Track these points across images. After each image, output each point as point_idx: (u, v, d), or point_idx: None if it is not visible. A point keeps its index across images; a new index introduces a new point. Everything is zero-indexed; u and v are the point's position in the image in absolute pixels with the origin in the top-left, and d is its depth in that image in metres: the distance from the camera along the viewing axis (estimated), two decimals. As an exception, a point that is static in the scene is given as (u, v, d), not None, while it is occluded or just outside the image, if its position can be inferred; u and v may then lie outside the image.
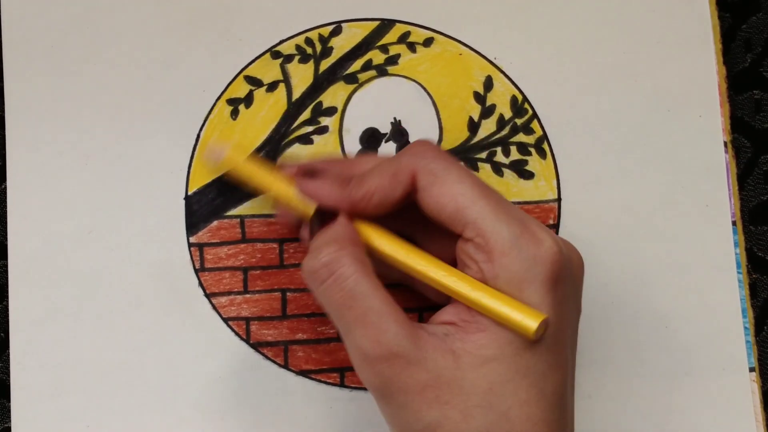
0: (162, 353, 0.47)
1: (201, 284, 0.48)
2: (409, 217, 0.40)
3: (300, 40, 0.50)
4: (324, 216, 0.41)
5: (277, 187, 0.43)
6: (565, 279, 0.37)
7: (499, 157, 0.49)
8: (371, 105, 0.49)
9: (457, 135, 0.49)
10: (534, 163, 0.49)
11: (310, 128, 0.49)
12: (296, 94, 0.49)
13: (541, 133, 0.49)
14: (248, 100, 0.49)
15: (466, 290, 0.37)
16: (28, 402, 0.46)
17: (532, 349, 0.36)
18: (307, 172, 0.43)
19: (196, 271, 0.48)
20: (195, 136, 0.49)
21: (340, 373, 0.47)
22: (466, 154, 0.49)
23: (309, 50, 0.49)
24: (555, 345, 0.37)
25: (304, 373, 0.47)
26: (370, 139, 0.49)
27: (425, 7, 0.50)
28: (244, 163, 0.45)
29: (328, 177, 0.41)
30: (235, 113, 0.49)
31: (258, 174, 0.44)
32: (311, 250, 0.39)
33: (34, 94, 0.49)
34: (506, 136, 0.49)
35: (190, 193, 0.48)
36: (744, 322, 0.47)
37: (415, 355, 0.36)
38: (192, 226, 0.48)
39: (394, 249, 0.40)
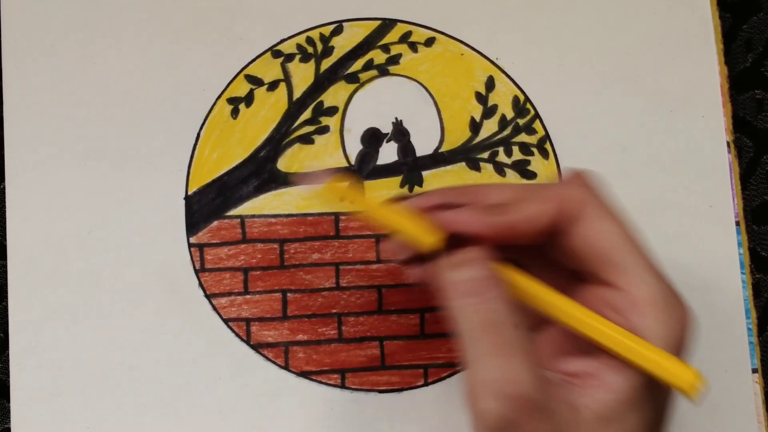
0: (162, 354, 0.47)
1: (201, 285, 0.47)
2: (526, 251, 0.38)
3: (301, 39, 0.49)
4: (450, 248, 0.37)
5: (399, 218, 0.39)
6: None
7: (502, 158, 0.49)
8: (372, 105, 0.49)
9: (458, 135, 0.49)
10: (536, 163, 0.49)
11: (311, 128, 0.49)
12: (297, 94, 0.49)
13: (543, 133, 0.49)
14: (249, 99, 0.49)
15: (623, 340, 0.35)
16: (27, 402, 0.46)
17: (651, 411, 0.35)
18: (439, 204, 0.39)
19: (196, 272, 0.48)
20: (195, 136, 0.49)
21: (340, 374, 0.47)
22: (467, 155, 0.49)
23: (310, 49, 0.49)
24: (667, 410, 0.36)
25: (304, 374, 0.47)
26: (372, 139, 0.49)
27: (427, 7, 0.50)
28: (362, 199, 0.44)
29: (470, 207, 0.38)
30: (235, 112, 0.49)
31: (379, 209, 0.40)
32: (455, 262, 0.36)
33: (34, 94, 0.49)
34: (508, 136, 0.49)
35: (190, 193, 0.48)
36: (747, 323, 0.47)
37: (543, 403, 0.33)
38: (192, 227, 0.48)
39: (535, 288, 0.37)
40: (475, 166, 0.48)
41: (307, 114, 0.49)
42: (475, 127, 0.49)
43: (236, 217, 0.48)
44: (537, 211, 0.36)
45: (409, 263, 0.40)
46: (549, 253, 0.38)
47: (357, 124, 0.49)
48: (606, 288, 0.36)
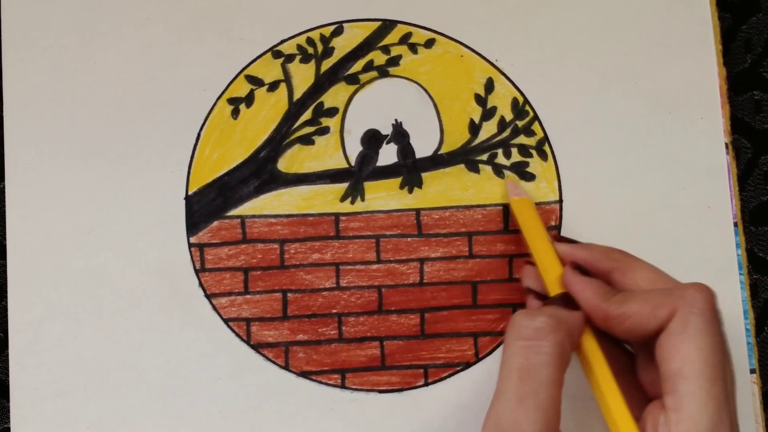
0: (162, 354, 0.47)
1: (201, 285, 0.47)
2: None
3: (301, 39, 0.49)
4: (563, 301, 0.41)
5: (547, 257, 0.43)
6: None
7: (500, 159, 0.49)
8: (372, 106, 0.49)
9: (458, 137, 0.49)
10: (535, 164, 0.49)
11: (311, 129, 0.49)
12: (297, 94, 0.49)
13: (542, 134, 0.49)
14: (249, 99, 0.49)
15: None
16: (27, 402, 0.46)
17: None
18: (582, 263, 0.42)
19: (197, 272, 0.48)
20: (195, 136, 0.49)
21: (341, 374, 0.47)
22: (466, 156, 0.49)
23: (310, 50, 0.49)
24: None
25: (304, 375, 0.47)
26: (371, 140, 0.49)
27: (427, 8, 0.50)
28: (528, 215, 0.45)
29: (596, 282, 0.40)
30: (235, 113, 0.49)
31: (534, 233, 0.44)
32: (535, 310, 0.39)
33: (34, 93, 0.49)
34: (507, 138, 0.49)
35: (190, 192, 0.48)
36: (745, 324, 0.47)
37: None
38: (192, 227, 0.48)
39: (600, 375, 0.39)
40: (474, 167, 0.48)
41: (307, 115, 0.49)
42: (474, 128, 0.49)
43: (236, 217, 0.48)
44: (645, 314, 0.38)
45: (530, 292, 0.44)
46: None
47: (357, 125, 0.49)
48: (661, 407, 0.36)
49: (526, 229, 0.45)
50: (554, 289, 0.42)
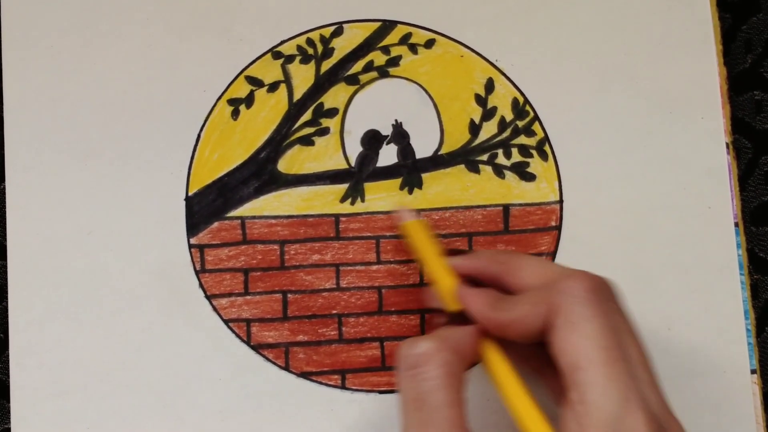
0: (162, 355, 0.47)
1: (201, 286, 0.47)
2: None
3: (301, 40, 0.49)
4: (462, 316, 0.41)
5: (439, 275, 0.43)
6: None
7: (501, 160, 0.49)
8: (372, 107, 0.49)
9: (458, 137, 0.49)
10: (536, 165, 0.49)
11: (311, 129, 0.49)
12: (297, 95, 0.49)
13: (542, 135, 0.49)
14: (249, 100, 0.49)
15: None
16: (27, 402, 0.46)
17: None
18: (474, 274, 0.42)
19: (197, 273, 0.48)
20: (195, 137, 0.49)
21: (341, 375, 0.47)
22: (467, 157, 0.49)
23: (310, 51, 0.49)
24: None
25: (305, 375, 0.47)
26: (372, 141, 0.49)
27: (427, 9, 0.50)
28: (419, 237, 0.45)
29: (485, 292, 0.40)
30: (235, 113, 0.49)
31: (426, 254, 0.44)
32: (420, 337, 0.38)
33: (34, 94, 0.49)
34: (507, 138, 0.49)
35: (190, 193, 0.48)
36: (746, 324, 0.47)
37: None
38: (192, 227, 0.48)
39: (504, 381, 0.39)
40: (474, 168, 0.48)
41: (307, 115, 0.49)
42: (474, 129, 0.49)
43: (237, 218, 0.48)
44: (530, 315, 0.38)
45: (435, 312, 0.44)
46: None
47: (357, 125, 0.49)
48: (567, 402, 0.36)
49: (419, 252, 0.44)
50: (453, 306, 0.41)
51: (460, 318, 0.40)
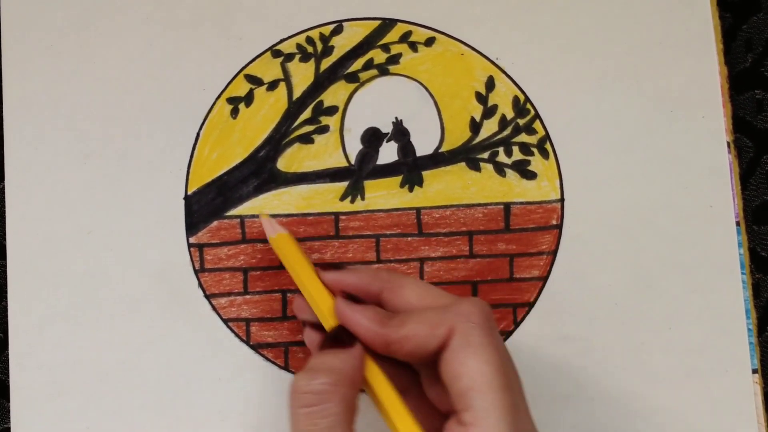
0: (162, 354, 0.47)
1: (201, 285, 0.47)
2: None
3: (301, 38, 0.49)
4: (341, 333, 0.40)
5: (316, 290, 0.42)
6: None
7: (502, 158, 0.49)
8: (372, 104, 0.49)
9: (458, 135, 0.49)
10: (537, 163, 0.49)
11: (310, 127, 0.49)
12: (297, 93, 0.49)
13: (543, 133, 0.49)
14: (248, 98, 0.49)
15: None
16: (27, 402, 0.46)
17: None
18: (351, 290, 0.41)
19: (196, 272, 0.48)
20: (195, 135, 0.49)
21: (341, 374, 0.47)
22: (467, 155, 0.48)
23: (310, 49, 0.49)
24: None
25: (304, 374, 0.47)
26: (372, 138, 0.49)
27: (427, 7, 0.49)
28: (288, 251, 0.44)
29: (371, 308, 0.40)
30: (235, 112, 0.49)
31: (298, 268, 0.43)
32: (309, 367, 0.38)
33: (33, 94, 0.49)
34: (508, 136, 0.49)
35: (189, 193, 0.48)
36: (747, 324, 0.47)
37: None
38: (192, 227, 0.48)
39: (384, 399, 0.38)
40: (475, 166, 0.48)
41: (307, 113, 0.49)
42: (475, 127, 0.49)
43: (236, 217, 0.48)
44: (424, 334, 0.37)
45: (306, 325, 0.43)
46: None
47: (357, 123, 0.49)
48: (458, 424, 0.36)
49: (289, 266, 0.44)
50: (329, 322, 0.41)
51: (337, 335, 0.39)
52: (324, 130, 0.49)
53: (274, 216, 0.48)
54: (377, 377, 0.39)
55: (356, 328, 0.39)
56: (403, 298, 0.40)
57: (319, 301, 0.41)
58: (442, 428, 0.37)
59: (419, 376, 0.41)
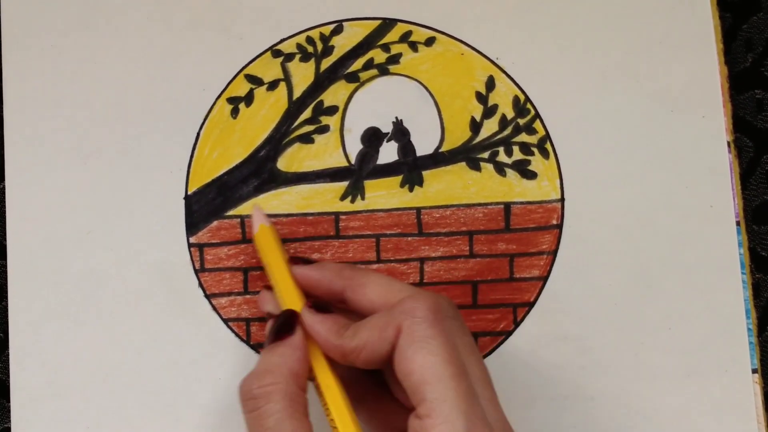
0: (162, 354, 0.47)
1: (201, 285, 0.47)
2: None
3: (301, 38, 0.49)
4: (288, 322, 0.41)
5: (287, 292, 0.43)
6: None
7: (502, 157, 0.49)
8: (373, 104, 0.49)
9: (459, 135, 0.49)
10: (537, 163, 0.49)
11: (311, 127, 0.49)
12: (297, 93, 0.49)
13: (543, 132, 0.49)
14: (249, 98, 0.49)
15: None
16: (27, 402, 0.46)
17: None
18: (315, 286, 0.42)
19: (196, 272, 0.48)
20: (195, 135, 0.49)
21: (341, 373, 0.47)
22: (468, 154, 0.48)
23: (310, 49, 0.49)
24: None
25: (305, 374, 0.47)
26: (372, 138, 0.49)
27: (427, 7, 0.49)
28: (268, 247, 0.44)
29: (330, 318, 0.40)
30: (235, 112, 0.49)
31: (273, 264, 0.44)
32: (254, 370, 0.39)
33: (34, 94, 0.49)
34: (509, 136, 0.49)
35: (189, 192, 0.48)
36: (747, 323, 0.47)
37: None
38: (192, 226, 0.48)
39: (325, 388, 0.39)
40: (475, 165, 0.48)
41: (307, 113, 0.49)
42: (475, 126, 0.49)
43: (236, 216, 0.48)
44: (376, 339, 0.38)
45: (271, 317, 0.44)
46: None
47: (357, 123, 0.49)
48: (416, 418, 0.36)
49: (266, 260, 0.44)
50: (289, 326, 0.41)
51: (279, 325, 0.40)
52: (324, 129, 0.49)
53: (273, 215, 0.48)
54: (326, 382, 0.40)
55: (316, 339, 0.40)
56: (364, 296, 0.40)
57: (288, 301, 0.42)
58: (407, 425, 0.37)
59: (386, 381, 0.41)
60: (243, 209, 0.48)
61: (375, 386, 0.41)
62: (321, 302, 0.41)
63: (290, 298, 0.42)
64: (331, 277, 0.42)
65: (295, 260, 0.43)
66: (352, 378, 0.41)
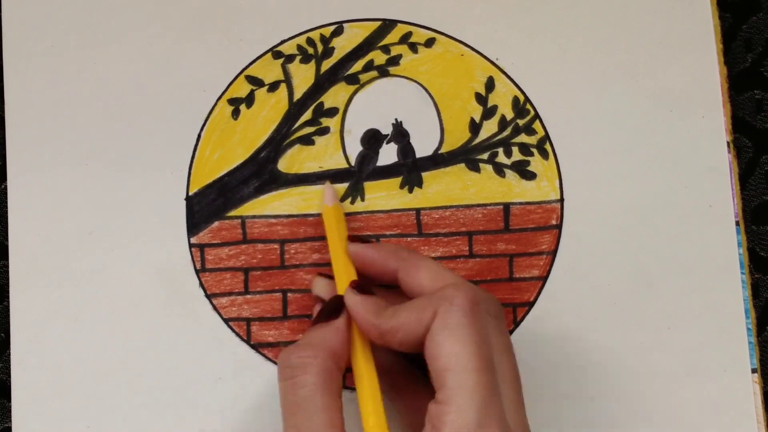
0: (162, 354, 0.47)
1: (202, 285, 0.47)
2: None
3: (301, 40, 0.49)
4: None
5: (340, 268, 0.44)
6: None
7: (501, 158, 0.49)
8: (372, 106, 0.49)
9: (458, 136, 0.49)
10: (536, 163, 0.49)
11: (311, 129, 0.49)
12: (297, 95, 0.49)
13: (543, 133, 0.49)
14: (249, 100, 0.49)
15: None
16: (28, 402, 0.46)
17: None
18: (370, 265, 0.43)
19: (197, 272, 0.48)
20: (196, 136, 0.49)
21: (341, 374, 0.47)
22: (467, 155, 0.49)
23: (310, 50, 0.49)
24: None
25: (305, 374, 0.47)
26: (372, 140, 0.49)
27: (427, 8, 0.50)
28: (335, 226, 0.45)
29: (371, 300, 0.41)
30: (236, 113, 0.49)
31: (333, 242, 0.45)
32: (296, 343, 0.40)
33: (35, 94, 0.49)
34: (508, 136, 0.49)
35: (191, 193, 0.48)
36: (746, 323, 0.47)
37: None
38: (193, 227, 0.48)
39: (359, 377, 0.40)
40: (474, 167, 0.48)
41: (307, 115, 0.49)
42: (474, 127, 0.49)
43: (237, 217, 0.48)
44: (412, 322, 0.38)
45: (318, 300, 0.46)
46: None
47: (357, 125, 0.49)
48: (434, 402, 0.37)
49: (330, 237, 0.45)
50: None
51: (326, 308, 0.42)
52: (324, 131, 0.49)
53: (274, 216, 0.48)
54: (361, 363, 0.40)
55: (356, 318, 0.40)
56: (416, 279, 0.41)
57: (343, 278, 0.43)
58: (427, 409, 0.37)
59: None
60: (244, 210, 0.48)
61: (417, 376, 0.42)
62: (364, 284, 0.42)
63: (343, 276, 0.43)
64: (387, 256, 0.42)
65: (352, 238, 0.44)
66: (394, 367, 0.42)
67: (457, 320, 0.37)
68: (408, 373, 0.43)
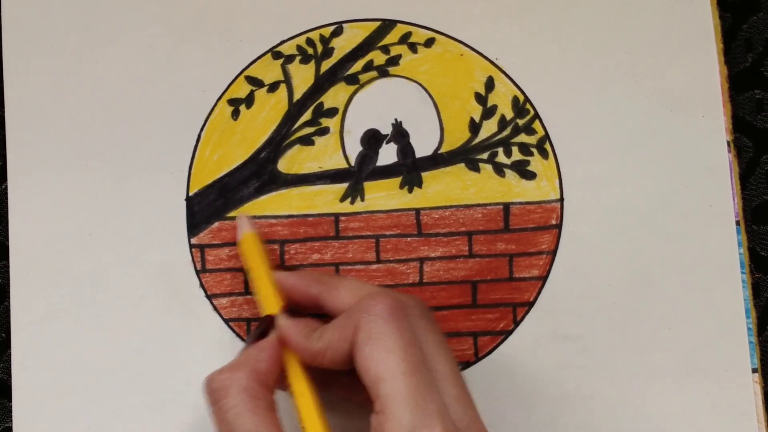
0: (163, 354, 0.47)
1: (202, 285, 0.48)
2: None
3: (301, 40, 0.49)
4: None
5: (268, 297, 0.44)
6: None
7: (501, 158, 0.49)
8: (372, 106, 0.49)
9: (458, 136, 0.49)
10: (536, 163, 0.49)
11: (311, 129, 0.49)
12: (297, 95, 0.49)
13: (543, 133, 0.49)
14: (249, 100, 0.49)
15: None
16: (28, 402, 0.47)
17: None
18: (293, 292, 0.43)
19: (197, 272, 0.48)
20: (196, 137, 0.49)
21: (341, 374, 0.47)
22: (467, 155, 0.49)
23: (310, 51, 0.49)
24: None
25: (305, 374, 0.47)
26: (371, 140, 0.49)
27: (426, 8, 0.50)
28: (251, 251, 0.45)
29: (302, 322, 0.41)
30: (236, 113, 0.49)
31: (255, 270, 0.45)
32: (216, 371, 0.40)
33: (35, 95, 0.49)
34: (508, 136, 0.49)
35: (191, 194, 0.48)
36: (747, 323, 0.47)
37: None
38: (193, 227, 0.48)
39: (297, 395, 0.40)
40: (474, 166, 0.48)
41: (307, 115, 0.49)
42: (474, 127, 0.49)
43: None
44: (337, 339, 0.38)
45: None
46: None
47: (357, 125, 0.49)
48: (373, 413, 0.36)
49: (248, 266, 0.45)
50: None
51: (257, 333, 0.42)
52: (324, 131, 0.49)
53: (273, 217, 0.48)
54: (296, 379, 0.40)
55: (287, 341, 0.41)
56: (337, 299, 0.41)
57: (268, 307, 0.43)
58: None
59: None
60: (244, 210, 0.48)
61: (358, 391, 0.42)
62: (295, 308, 0.42)
63: (269, 303, 0.43)
64: (309, 282, 0.43)
65: (277, 267, 0.45)
66: (335, 384, 0.42)
67: (378, 329, 0.37)
68: (352, 390, 0.42)
